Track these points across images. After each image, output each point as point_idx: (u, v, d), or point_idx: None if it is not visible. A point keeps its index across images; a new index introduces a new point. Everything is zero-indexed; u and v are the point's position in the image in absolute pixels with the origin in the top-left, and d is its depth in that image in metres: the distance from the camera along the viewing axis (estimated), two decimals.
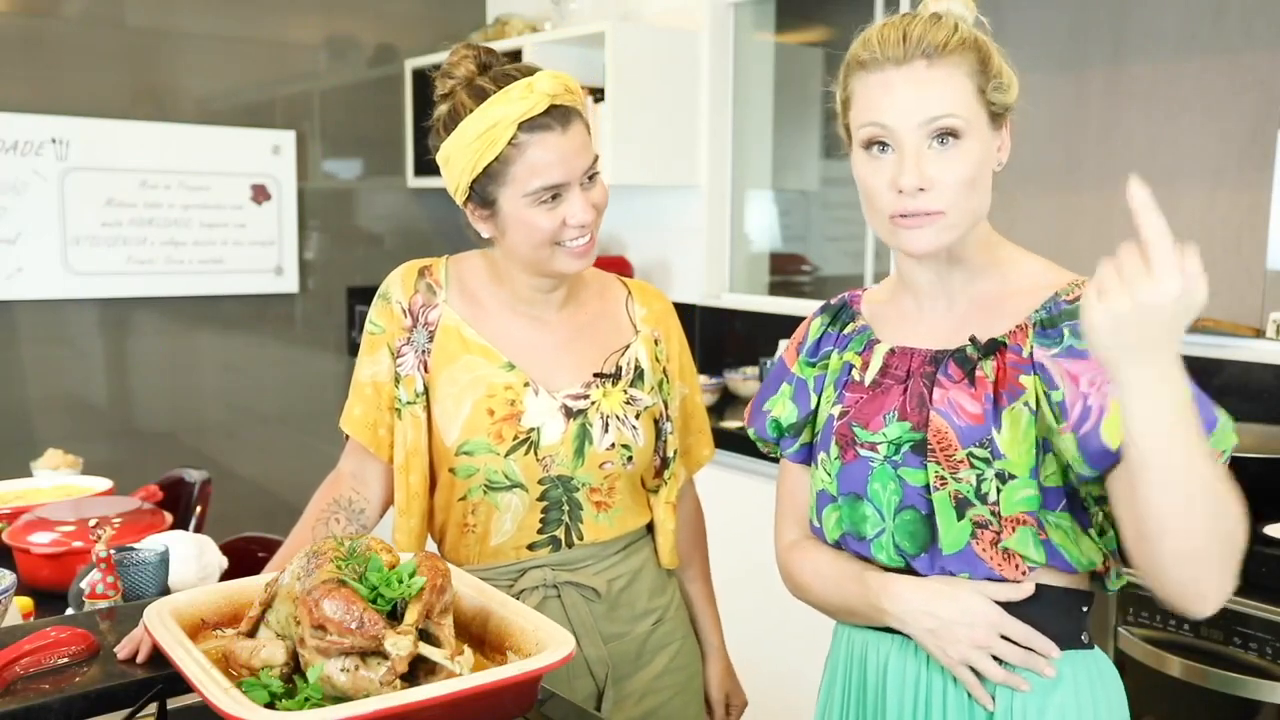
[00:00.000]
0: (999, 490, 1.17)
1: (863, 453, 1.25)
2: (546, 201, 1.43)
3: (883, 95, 1.17)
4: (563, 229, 1.44)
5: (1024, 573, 1.18)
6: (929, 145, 1.16)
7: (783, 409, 1.37)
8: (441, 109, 1.47)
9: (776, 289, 3.96)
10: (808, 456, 1.38)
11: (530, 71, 1.44)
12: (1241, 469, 2.30)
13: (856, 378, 1.30)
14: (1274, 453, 2.20)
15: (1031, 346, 1.18)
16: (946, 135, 1.16)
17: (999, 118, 1.21)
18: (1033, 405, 1.16)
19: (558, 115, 1.41)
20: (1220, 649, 1.96)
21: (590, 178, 1.46)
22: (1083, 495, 1.20)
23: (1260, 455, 2.19)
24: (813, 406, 1.36)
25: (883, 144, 1.18)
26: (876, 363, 1.28)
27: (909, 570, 1.23)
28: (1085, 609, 1.23)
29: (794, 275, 4.05)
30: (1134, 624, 2.10)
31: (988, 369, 1.19)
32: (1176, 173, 2.89)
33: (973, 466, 1.18)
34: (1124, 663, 2.12)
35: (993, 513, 1.18)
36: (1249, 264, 2.75)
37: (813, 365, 1.37)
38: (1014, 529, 1.17)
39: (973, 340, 1.21)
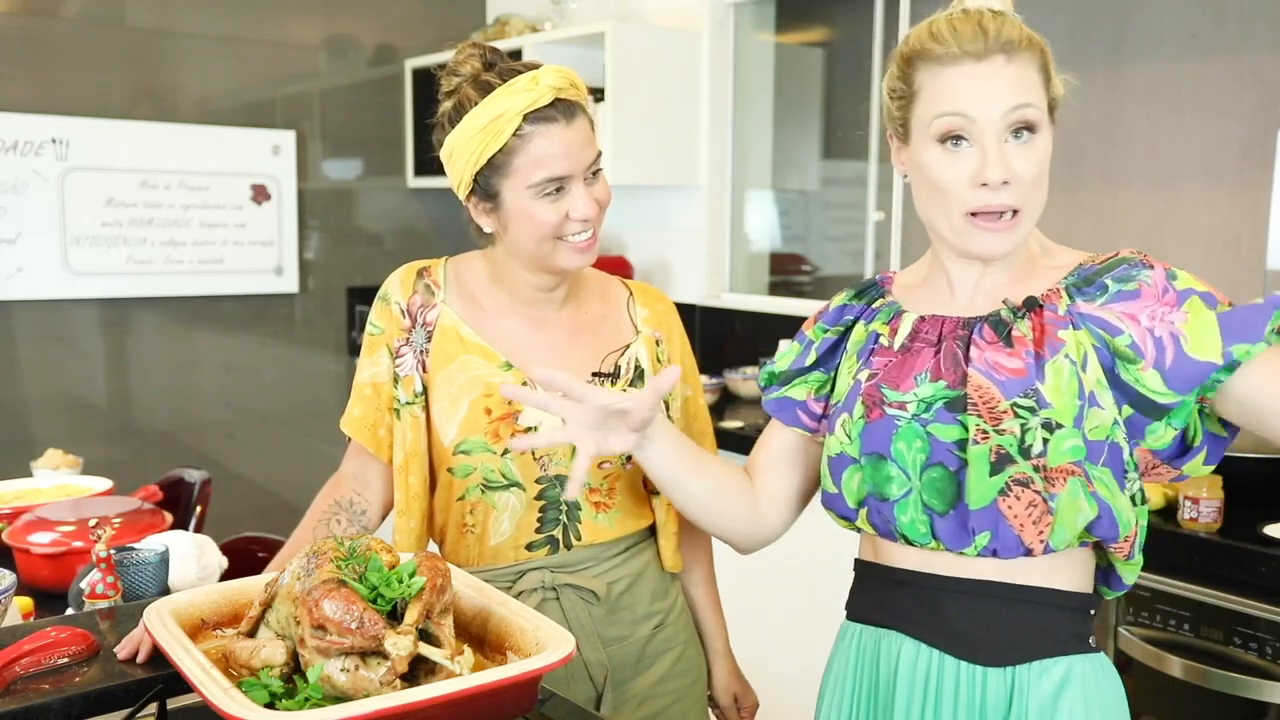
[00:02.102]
0: (1045, 441, 1.16)
1: (890, 411, 1.24)
2: (550, 194, 1.43)
3: (964, 87, 1.17)
4: (565, 223, 1.45)
5: (1044, 541, 1.17)
6: (1007, 139, 1.17)
7: (784, 362, 1.41)
8: (446, 105, 1.48)
9: (776, 289, 3.96)
10: (784, 413, 1.40)
11: (535, 66, 1.44)
12: (1241, 469, 2.30)
13: (885, 343, 1.29)
14: (1274, 453, 2.20)
15: (1068, 304, 1.20)
16: (1024, 129, 1.18)
17: (1052, 114, 1.24)
18: (1074, 358, 1.17)
19: (562, 108, 1.42)
20: (1221, 649, 1.96)
21: (594, 173, 1.47)
22: (1125, 458, 1.19)
23: (1260, 455, 2.19)
24: (806, 363, 1.38)
25: (958, 137, 1.18)
26: (905, 329, 1.28)
27: (931, 531, 1.22)
28: (1092, 612, 1.24)
29: (794, 275, 4.05)
30: (1134, 624, 2.10)
31: (1024, 329, 1.20)
32: (1176, 173, 2.89)
33: (1017, 416, 1.17)
34: (1124, 663, 2.12)
35: (1037, 468, 1.16)
36: (1249, 264, 2.75)
37: (826, 330, 1.38)
38: (1064, 480, 1.16)
39: (1006, 303, 1.22)
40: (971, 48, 1.16)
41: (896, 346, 1.28)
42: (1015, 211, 1.18)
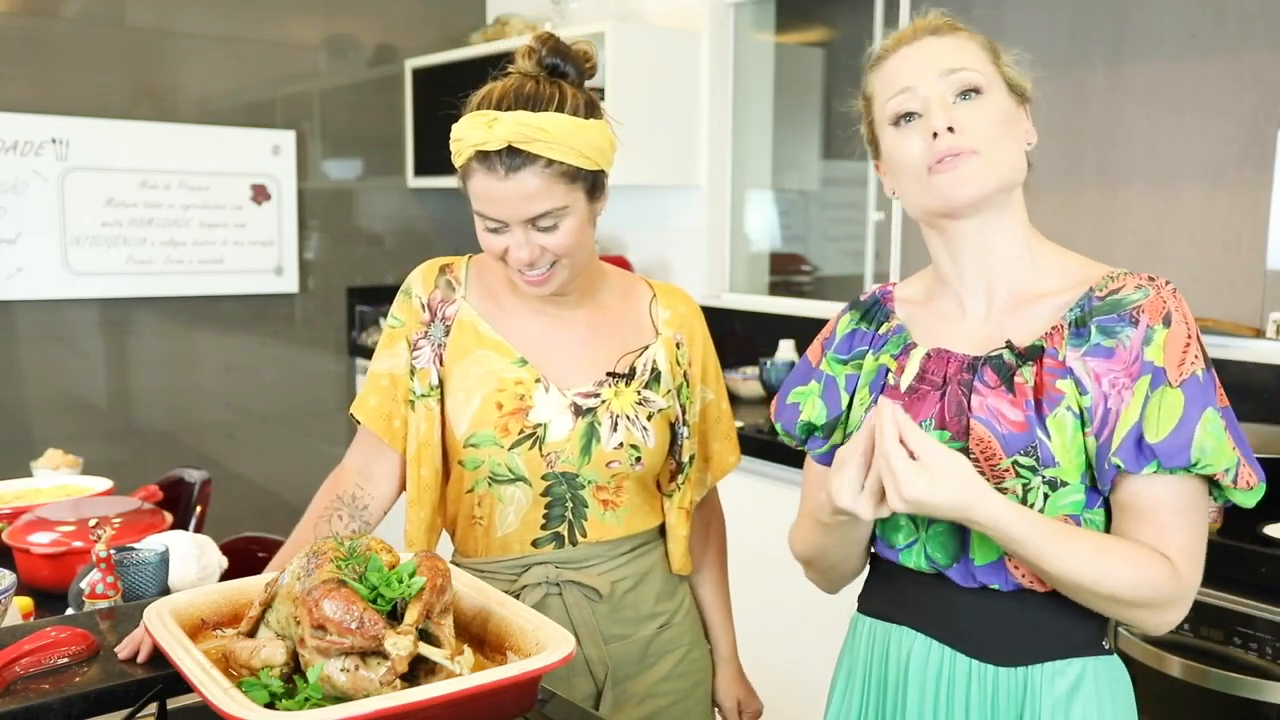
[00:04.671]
0: (1046, 497, 1.16)
1: None
2: (491, 228, 1.45)
3: (900, 67, 1.23)
4: (506, 255, 1.45)
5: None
6: (953, 101, 1.20)
7: (812, 409, 1.37)
8: (474, 93, 1.48)
9: (776, 289, 3.96)
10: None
11: (531, 100, 1.41)
12: None
13: (892, 382, 1.29)
14: (1274, 453, 2.20)
15: (1065, 349, 1.18)
16: (969, 90, 1.20)
17: (1019, 96, 1.24)
18: (1075, 409, 1.16)
19: (509, 158, 1.39)
20: (1220, 649, 1.96)
21: (546, 226, 1.42)
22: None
23: (1260, 455, 2.18)
24: (844, 406, 1.35)
25: (909, 114, 1.22)
26: (913, 367, 1.27)
27: (941, 579, 1.23)
28: (1107, 616, 1.24)
29: (794, 275, 4.05)
30: None
31: (1027, 375, 1.19)
32: (1176, 173, 2.89)
33: (1018, 475, 1.17)
34: (1124, 663, 2.12)
35: None
36: (1249, 264, 2.75)
37: (844, 363, 1.36)
38: None
39: (1009, 345, 1.21)
40: (904, 38, 1.25)
41: (904, 387, 1.27)
42: (974, 152, 1.18)
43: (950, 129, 1.18)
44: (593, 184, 1.45)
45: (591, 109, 1.45)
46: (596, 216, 1.50)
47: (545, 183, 1.40)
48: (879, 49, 1.27)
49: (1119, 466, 1.14)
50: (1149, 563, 1.14)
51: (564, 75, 1.46)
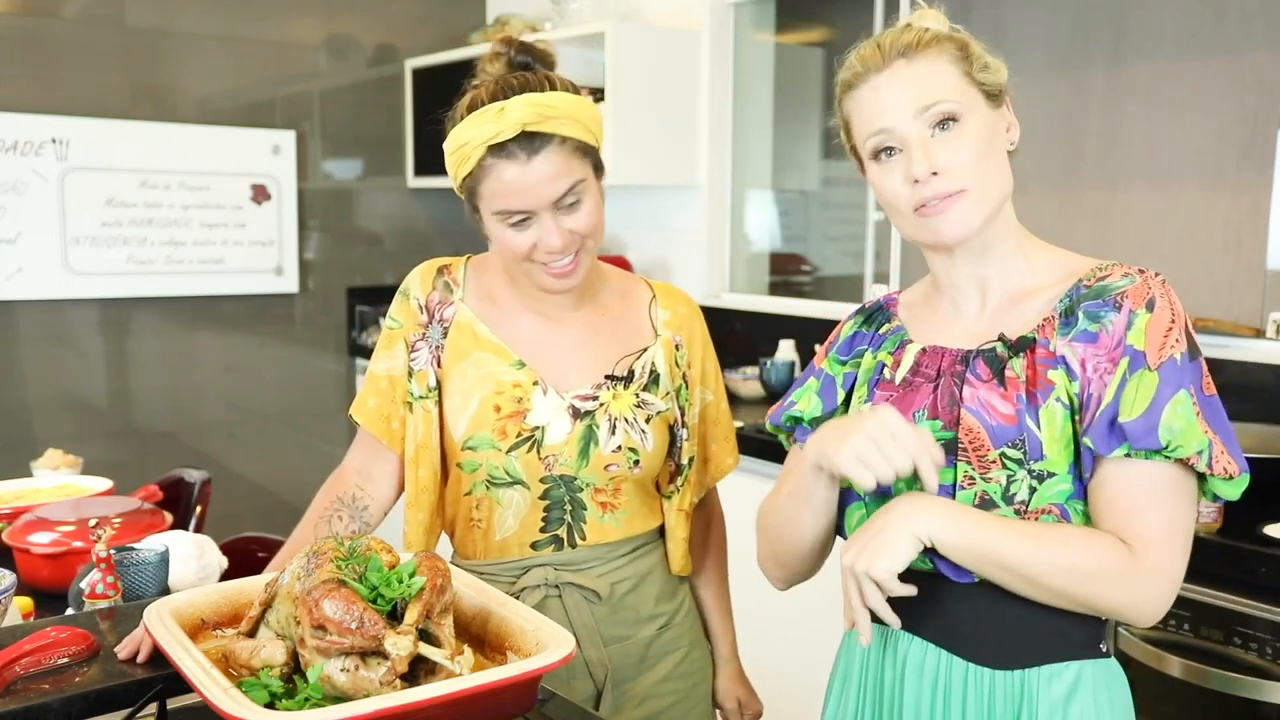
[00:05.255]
0: (1032, 490, 1.16)
1: None
2: (516, 224, 1.44)
3: (874, 101, 1.21)
4: (534, 251, 1.45)
5: None
6: (931, 134, 1.19)
7: (807, 403, 1.37)
8: (463, 99, 1.47)
9: (776, 289, 3.97)
10: None
11: (525, 87, 1.42)
12: None
13: (888, 376, 1.30)
14: (1274, 453, 2.20)
15: (1056, 339, 1.19)
16: (946, 120, 1.19)
17: (995, 97, 1.23)
18: (1064, 400, 1.16)
19: (525, 144, 1.39)
20: (1220, 649, 1.96)
21: (571, 204, 1.44)
22: None
23: (1260, 455, 2.19)
24: (839, 402, 1.35)
25: (889, 149, 1.21)
26: (908, 361, 1.28)
27: (934, 571, 1.22)
28: (1104, 618, 1.24)
29: (794, 275, 4.05)
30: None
31: (1018, 368, 1.19)
32: (1176, 173, 2.89)
33: (1004, 467, 1.17)
34: (1124, 663, 2.12)
35: (1018, 511, 1.17)
36: (1249, 264, 2.75)
37: (843, 363, 1.37)
38: (1036, 520, 1.17)
39: (1001, 338, 1.21)
40: (872, 64, 1.21)
41: (898, 380, 1.28)
42: (961, 192, 1.18)
43: (934, 173, 1.17)
44: (596, 161, 1.49)
45: (577, 89, 1.47)
46: (603, 196, 1.52)
47: (565, 158, 1.42)
48: (848, 73, 1.24)
49: (1089, 448, 1.14)
50: (1092, 543, 1.12)
51: (535, 72, 1.47)
